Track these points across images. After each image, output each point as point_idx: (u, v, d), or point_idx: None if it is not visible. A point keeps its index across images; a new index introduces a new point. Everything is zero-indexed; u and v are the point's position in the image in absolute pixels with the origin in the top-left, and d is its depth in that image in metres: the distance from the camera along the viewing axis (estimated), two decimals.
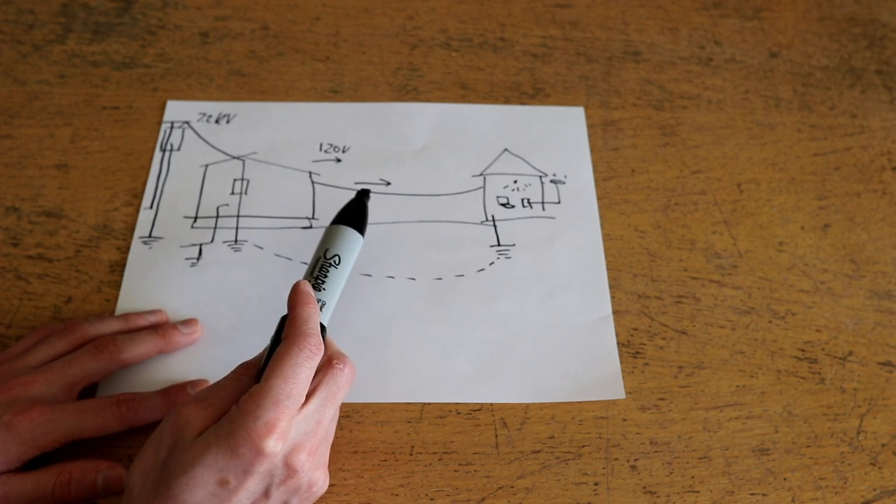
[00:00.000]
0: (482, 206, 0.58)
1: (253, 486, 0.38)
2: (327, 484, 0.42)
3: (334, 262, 0.47)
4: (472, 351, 0.51)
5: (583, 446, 0.48)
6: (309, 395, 0.40)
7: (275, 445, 0.37)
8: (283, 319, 0.43)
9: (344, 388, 0.42)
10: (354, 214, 0.50)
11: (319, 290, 0.45)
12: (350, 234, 0.49)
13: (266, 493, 0.39)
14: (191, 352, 0.50)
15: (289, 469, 0.39)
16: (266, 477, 0.38)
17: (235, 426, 0.37)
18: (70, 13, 0.68)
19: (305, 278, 0.46)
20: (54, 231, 0.55)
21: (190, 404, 0.39)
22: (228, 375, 0.42)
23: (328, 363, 0.42)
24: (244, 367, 0.42)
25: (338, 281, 0.47)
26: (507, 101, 0.64)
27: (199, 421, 0.38)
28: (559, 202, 0.58)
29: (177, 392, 0.47)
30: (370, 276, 0.54)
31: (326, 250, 0.47)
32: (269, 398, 0.38)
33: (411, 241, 0.56)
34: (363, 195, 0.52)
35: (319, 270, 0.46)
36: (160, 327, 0.49)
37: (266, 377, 0.39)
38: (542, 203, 0.58)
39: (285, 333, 0.42)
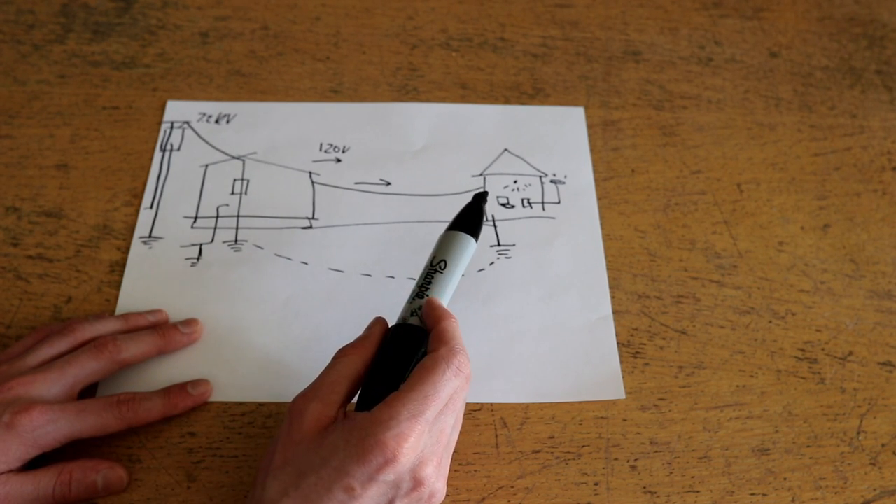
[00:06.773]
0: None
1: (377, 495, 0.37)
2: (444, 494, 0.40)
3: (439, 267, 0.46)
4: (472, 351, 0.51)
5: (583, 446, 0.48)
6: None
7: (404, 455, 0.37)
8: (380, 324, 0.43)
9: (463, 391, 0.40)
10: (466, 219, 0.49)
11: (422, 298, 0.44)
12: (458, 238, 0.47)
13: None
14: (191, 352, 0.50)
15: (415, 481, 0.38)
16: (392, 488, 0.38)
17: (367, 433, 0.37)
18: (70, 13, 0.68)
19: (415, 290, 0.45)
20: (54, 231, 0.55)
21: (300, 398, 0.39)
22: (330, 364, 0.41)
23: None
24: (343, 353, 0.41)
25: (443, 285, 0.45)
26: (507, 101, 0.64)
27: (312, 413, 0.38)
28: (559, 202, 0.58)
29: (177, 392, 0.47)
30: (370, 276, 0.54)
31: (433, 257, 0.46)
32: (406, 412, 0.37)
33: (411, 240, 0.56)
34: (480, 199, 0.50)
35: (425, 278, 0.45)
36: (160, 327, 0.49)
37: (408, 388, 0.38)
38: (542, 203, 0.58)
39: (432, 346, 0.40)
